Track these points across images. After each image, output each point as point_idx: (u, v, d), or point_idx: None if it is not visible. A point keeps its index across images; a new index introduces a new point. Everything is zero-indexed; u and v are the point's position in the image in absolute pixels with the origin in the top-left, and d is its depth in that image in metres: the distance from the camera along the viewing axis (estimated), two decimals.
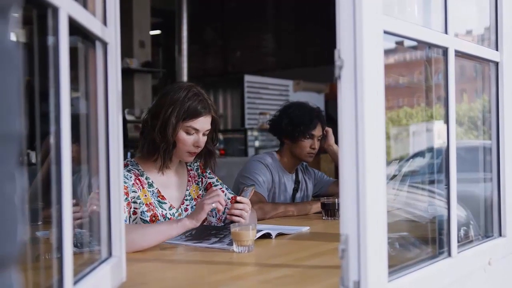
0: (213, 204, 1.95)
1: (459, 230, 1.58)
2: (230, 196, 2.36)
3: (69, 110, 1.01)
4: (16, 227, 0.52)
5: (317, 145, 2.97)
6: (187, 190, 2.32)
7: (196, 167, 2.40)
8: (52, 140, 1.01)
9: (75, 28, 1.11)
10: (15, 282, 0.54)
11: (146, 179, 2.21)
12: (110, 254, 1.35)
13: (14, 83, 0.51)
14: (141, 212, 2.13)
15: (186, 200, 2.31)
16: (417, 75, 2.10)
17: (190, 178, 2.36)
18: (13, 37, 0.53)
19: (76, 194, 1.10)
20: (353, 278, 1.16)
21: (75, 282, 1.08)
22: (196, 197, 2.34)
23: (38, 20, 1.03)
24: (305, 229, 2.33)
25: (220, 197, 1.98)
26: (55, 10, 0.99)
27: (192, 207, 2.30)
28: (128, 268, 1.43)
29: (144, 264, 1.74)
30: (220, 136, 7.54)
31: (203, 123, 2.18)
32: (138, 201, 2.13)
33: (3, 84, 0.50)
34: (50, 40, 1.01)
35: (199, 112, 2.16)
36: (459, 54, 1.56)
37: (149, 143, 2.18)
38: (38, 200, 1.66)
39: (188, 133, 2.17)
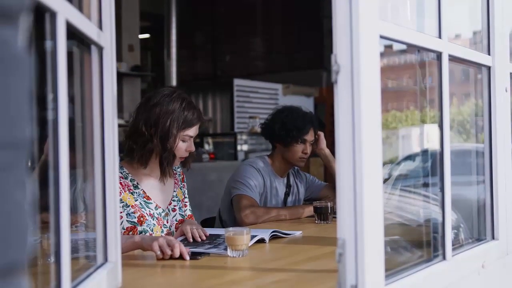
0: (158, 252, 1.81)
1: None
2: (188, 213, 2.42)
3: (67, 114, 1.01)
4: (26, 233, 0.52)
5: (309, 150, 2.97)
6: (174, 191, 2.38)
7: (178, 173, 2.46)
8: (49, 144, 1.00)
9: (71, 33, 1.10)
10: None
11: (131, 181, 2.24)
12: (106, 259, 1.35)
13: (24, 89, 0.51)
14: (127, 214, 2.16)
15: (174, 200, 2.37)
16: (406, 79, 2.12)
17: (176, 181, 2.42)
18: (22, 43, 0.53)
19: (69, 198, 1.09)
20: (351, 282, 1.16)
21: None
22: (181, 199, 2.41)
23: (34, 24, 1.02)
24: (298, 233, 2.33)
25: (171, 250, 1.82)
26: (53, 14, 0.98)
27: (180, 208, 2.37)
28: (124, 273, 1.42)
29: (140, 269, 1.73)
30: (210, 140, 7.53)
31: (196, 129, 2.29)
32: (121, 204, 2.15)
33: (13, 90, 0.49)
34: (48, 44, 1.00)
35: (195, 121, 2.26)
36: (452, 58, 1.57)
37: (148, 152, 2.21)
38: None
39: (183, 141, 2.25)
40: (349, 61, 1.16)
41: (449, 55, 1.54)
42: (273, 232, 2.18)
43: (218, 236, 2.16)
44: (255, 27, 9.79)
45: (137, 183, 2.25)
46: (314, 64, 8.67)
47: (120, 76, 7.35)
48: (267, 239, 2.11)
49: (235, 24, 9.75)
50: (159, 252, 1.80)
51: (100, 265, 1.32)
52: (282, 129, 2.94)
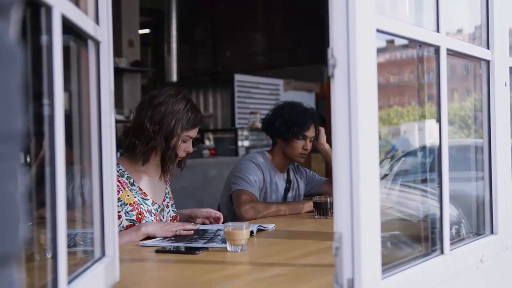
0: (177, 232, 2.11)
1: (450, 228, 1.58)
2: (173, 214, 2.43)
3: (63, 110, 1.01)
4: (18, 225, 0.52)
5: (309, 146, 2.97)
6: (166, 188, 2.43)
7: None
8: (45, 141, 1.00)
9: (67, 27, 1.10)
10: (16, 280, 0.54)
11: (127, 178, 2.27)
12: (103, 253, 1.35)
13: (16, 82, 0.51)
14: (125, 212, 2.19)
15: (167, 197, 2.41)
16: (407, 74, 2.11)
17: (167, 179, 2.46)
18: (14, 35, 0.53)
19: (67, 195, 1.09)
20: (347, 275, 1.16)
21: (69, 282, 1.07)
22: (171, 197, 2.46)
23: (30, 18, 1.02)
24: (271, 226, 2.35)
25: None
26: (49, 8, 0.98)
27: (172, 204, 2.42)
28: (121, 268, 1.43)
29: (137, 264, 1.74)
30: (210, 136, 7.54)
31: (196, 131, 2.34)
32: (120, 202, 2.16)
33: (5, 83, 0.49)
34: (43, 39, 1.00)
35: (198, 123, 2.30)
36: (450, 52, 1.57)
37: (150, 149, 2.24)
38: (29, 200, 1.65)
39: (184, 141, 2.28)
40: (345, 55, 1.16)
41: (447, 49, 1.54)
42: (258, 226, 2.24)
43: (206, 231, 2.18)
44: (256, 22, 9.79)
45: (133, 180, 2.27)
46: (315, 59, 8.66)
47: (120, 71, 7.36)
48: (254, 232, 2.14)
49: (235, 19, 9.75)
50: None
51: (98, 259, 1.33)
52: (283, 125, 2.93)
